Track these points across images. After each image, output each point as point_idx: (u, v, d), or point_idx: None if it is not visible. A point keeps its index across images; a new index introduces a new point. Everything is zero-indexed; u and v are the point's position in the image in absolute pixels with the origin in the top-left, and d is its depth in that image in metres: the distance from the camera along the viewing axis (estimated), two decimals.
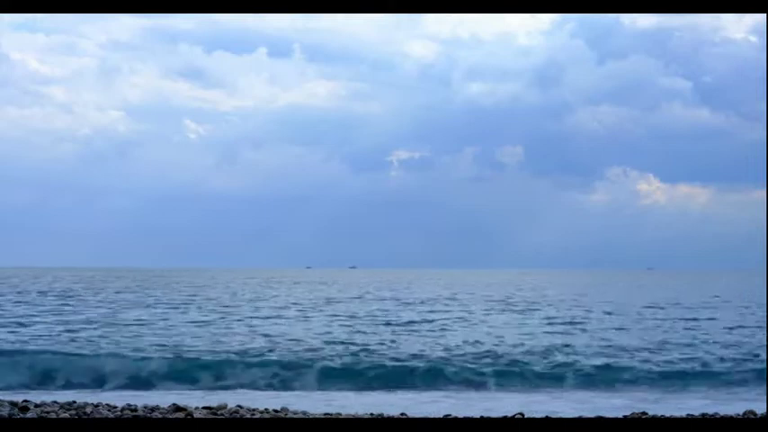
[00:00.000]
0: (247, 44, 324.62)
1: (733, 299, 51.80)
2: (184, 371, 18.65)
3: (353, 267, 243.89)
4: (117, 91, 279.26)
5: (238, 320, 30.76)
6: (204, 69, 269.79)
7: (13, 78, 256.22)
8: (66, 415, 11.31)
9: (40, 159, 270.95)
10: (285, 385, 17.94)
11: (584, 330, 28.15)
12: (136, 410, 11.87)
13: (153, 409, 12.14)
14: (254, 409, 12.41)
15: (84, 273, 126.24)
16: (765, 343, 23.22)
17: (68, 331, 25.05)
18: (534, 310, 39.09)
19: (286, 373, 18.59)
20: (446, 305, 42.33)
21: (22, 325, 27.06)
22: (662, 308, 40.93)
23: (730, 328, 28.99)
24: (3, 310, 34.44)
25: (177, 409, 12.03)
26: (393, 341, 23.89)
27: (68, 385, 17.61)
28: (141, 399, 14.49)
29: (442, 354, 21.25)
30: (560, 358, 20.66)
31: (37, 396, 13.87)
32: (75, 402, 12.51)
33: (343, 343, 23.02)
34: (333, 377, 18.50)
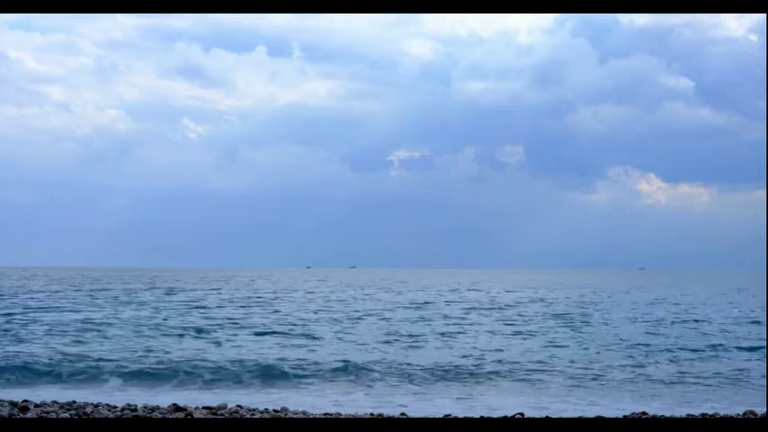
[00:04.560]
0: (246, 42, 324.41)
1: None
2: None
3: (353, 267, 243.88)
4: (115, 90, 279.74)
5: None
6: (202, 68, 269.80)
7: (11, 77, 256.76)
8: (67, 415, 11.32)
9: (39, 159, 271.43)
10: None
11: None
12: (136, 410, 11.87)
13: (153, 409, 12.15)
14: (253, 409, 12.41)
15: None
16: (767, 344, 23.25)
17: None
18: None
19: None
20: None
21: None
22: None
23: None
24: None
25: (177, 409, 12.03)
26: None
27: None
28: (141, 399, 14.49)
29: None
30: None
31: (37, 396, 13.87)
32: (75, 402, 12.51)
33: None
34: None
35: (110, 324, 27.85)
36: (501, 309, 39.60)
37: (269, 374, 18.10)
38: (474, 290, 65.18)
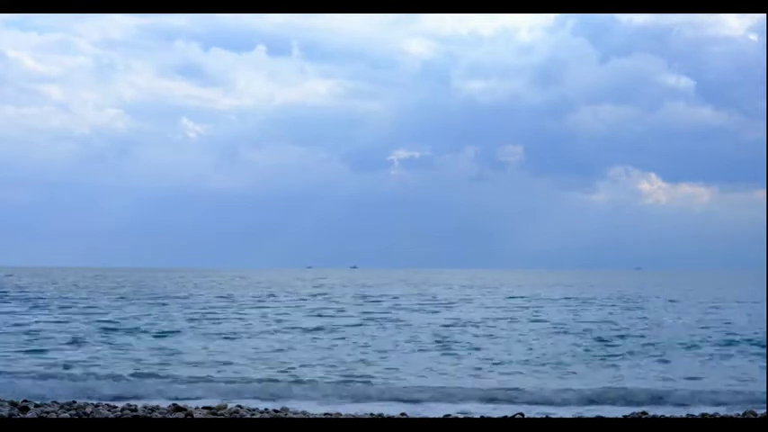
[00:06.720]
0: (245, 42, 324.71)
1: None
2: None
3: (354, 267, 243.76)
4: (114, 89, 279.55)
5: None
6: (201, 67, 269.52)
7: (9, 77, 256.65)
8: (67, 415, 11.32)
9: (39, 159, 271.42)
10: None
11: None
12: (136, 410, 11.87)
13: (153, 409, 12.15)
14: (253, 409, 12.41)
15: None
16: (766, 341, 23.24)
17: None
18: None
19: None
20: None
21: None
22: None
23: None
24: None
25: (177, 409, 12.03)
26: None
27: None
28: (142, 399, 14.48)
29: None
30: None
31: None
32: (75, 402, 12.52)
33: None
34: None
35: None
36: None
37: None
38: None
